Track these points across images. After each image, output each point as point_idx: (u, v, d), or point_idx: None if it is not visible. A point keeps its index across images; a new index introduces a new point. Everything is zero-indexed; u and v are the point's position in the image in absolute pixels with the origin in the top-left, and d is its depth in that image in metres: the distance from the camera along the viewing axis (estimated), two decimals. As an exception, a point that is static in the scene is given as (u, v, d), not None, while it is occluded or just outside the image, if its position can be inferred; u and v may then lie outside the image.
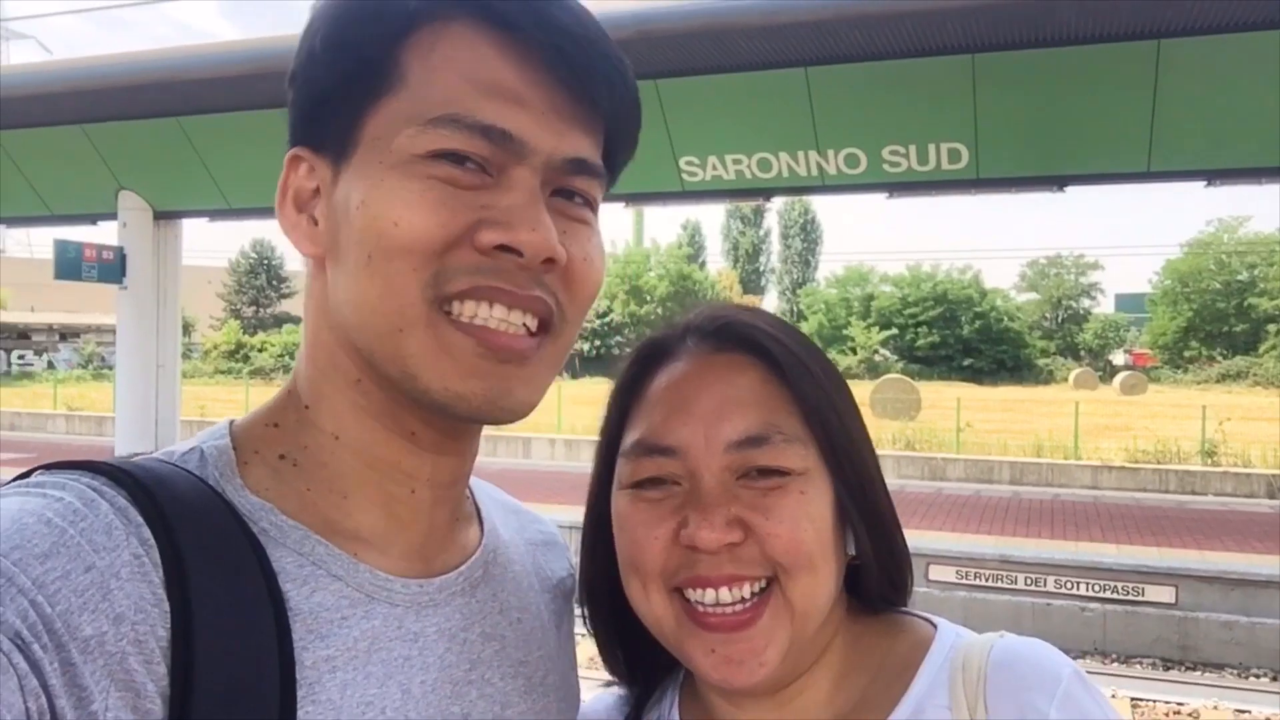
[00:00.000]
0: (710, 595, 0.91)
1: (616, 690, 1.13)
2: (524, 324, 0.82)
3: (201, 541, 0.74)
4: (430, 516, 0.92)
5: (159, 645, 0.69)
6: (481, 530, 1.01)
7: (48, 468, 0.77)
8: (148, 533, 0.72)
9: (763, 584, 0.92)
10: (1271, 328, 55.25)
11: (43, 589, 0.65)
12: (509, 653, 0.95)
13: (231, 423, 0.90)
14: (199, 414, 25.71)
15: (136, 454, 0.84)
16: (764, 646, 0.91)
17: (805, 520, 0.92)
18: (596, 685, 1.13)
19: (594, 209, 0.89)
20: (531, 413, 0.86)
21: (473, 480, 1.04)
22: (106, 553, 0.70)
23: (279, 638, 0.75)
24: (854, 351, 56.92)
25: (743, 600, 0.92)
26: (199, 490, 0.79)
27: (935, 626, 1.02)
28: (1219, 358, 56.55)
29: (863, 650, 1.01)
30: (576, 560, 1.11)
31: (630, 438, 0.98)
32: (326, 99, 0.83)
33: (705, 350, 0.99)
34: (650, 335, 1.05)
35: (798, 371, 0.96)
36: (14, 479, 0.77)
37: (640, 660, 1.06)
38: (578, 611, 1.11)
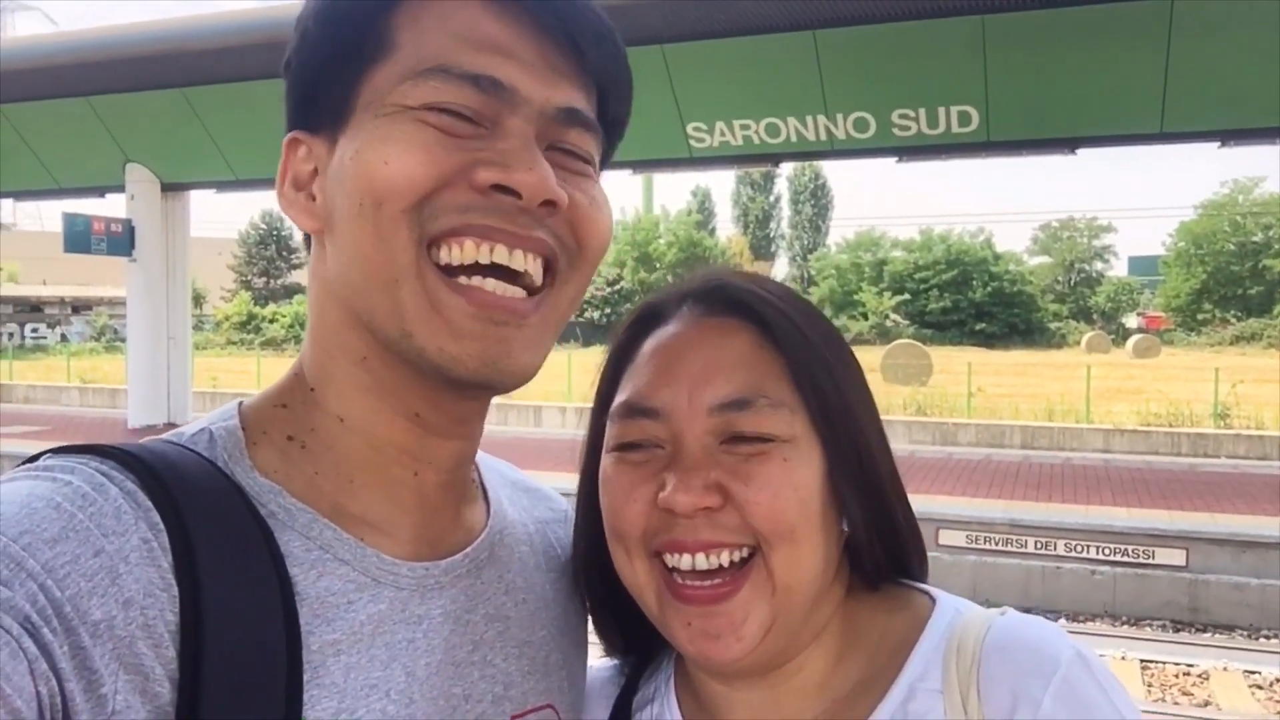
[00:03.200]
0: (686, 560, 0.89)
1: (613, 662, 1.12)
2: (526, 269, 0.81)
3: (210, 526, 0.75)
4: (435, 499, 0.92)
5: (168, 629, 0.70)
6: (488, 511, 1.00)
7: (56, 451, 0.77)
8: (156, 517, 0.73)
9: (744, 554, 0.90)
10: (1286, 289, 54.87)
11: (52, 573, 0.66)
12: (513, 633, 0.95)
13: (240, 403, 0.90)
14: (211, 385, 25.78)
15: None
16: (742, 620, 0.89)
17: (788, 489, 0.89)
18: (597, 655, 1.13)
19: (593, 165, 0.88)
20: (534, 376, 0.86)
21: (482, 459, 1.04)
22: (115, 537, 0.70)
23: (286, 622, 0.75)
24: (865, 317, 56.80)
25: (720, 569, 0.89)
26: (208, 473, 0.79)
27: (935, 601, 0.98)
28: (1233, 320, 56.20)
29: (859, 628, 0.98)
30: None
31: (618, 400, 0.97)
32: (320, 77, 0.83)
33: (697, 314, 0.98)
34: (647, 299, 1.03)
35: (790, 335, 0.93)
36: (22, 462, 0.77)
37: (635, 630, 1.03)
38: None
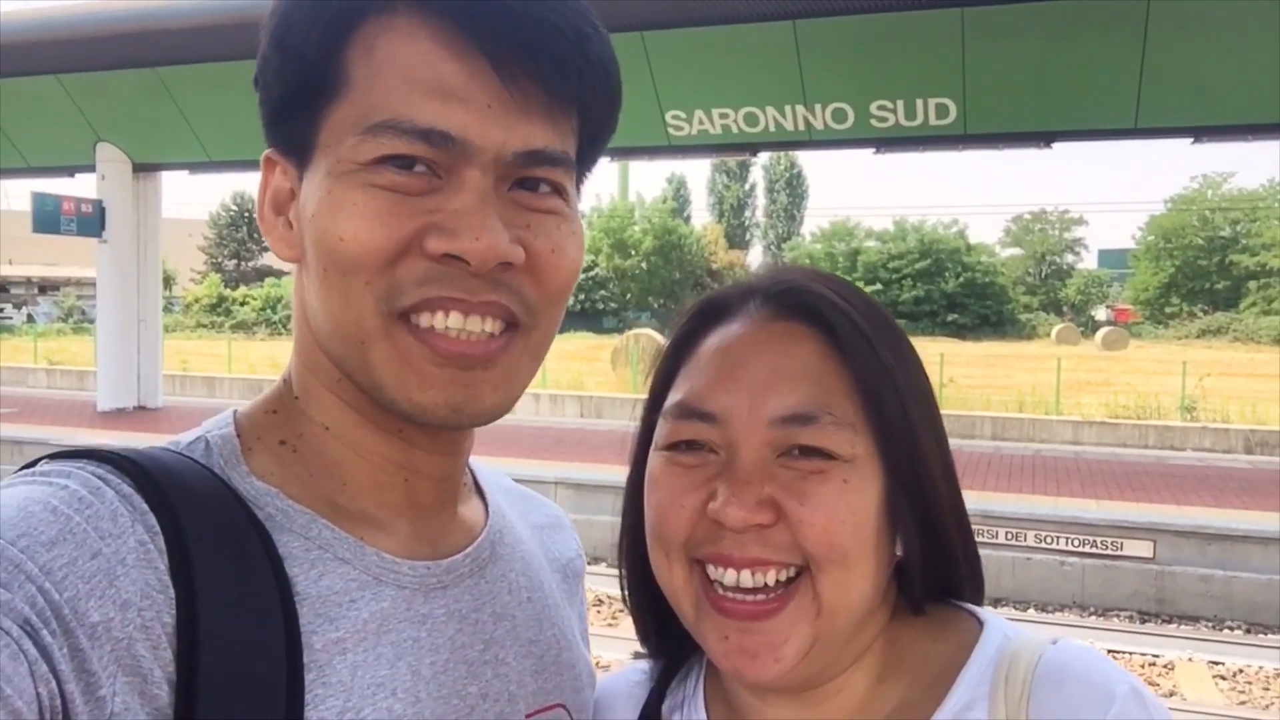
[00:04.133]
0: (731, 576, 0.85)
1: (641, 665, 1.08)
2: (484, 330, 0.81)
3: (206, 528, 0.75)
4: (429, 502, 0.92)
5: (165, 631, 0.70)
6: (487, 512, 1.00)
7: (53, 457, 0.77)
8: (153, 520, 0.73)
9: (790, 573, 0.86)
10: (1253, 284, 55.61)
11: (50, 576, 0.66)
12: (520, 632, 0.95)
13: (235, 412, 0.90)
14: (181, 368, 25.56)
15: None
16: (783, 641, 0.85)
17: (845, 510, 0.85)
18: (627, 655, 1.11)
19: (564, 195, 0.85)
20: (505, 414, 0.85)
21: (477, 465, 1.04)
22: (112, 539, 0.70)
23: (285, 622, 0.75)
24: (838, 307, 56.82)
25: (766, 588, 0.85)
26: (204, 477, 0.79)
27: (982, 624, 0.93)
28: (1200, 313, 56.94)
29: (903, 650, 0.94)
30: (615, 521, 1.06)
31: (673, 397, 0.93)
32: (284, 103, 0.82)
33: (764, 315, 0.92)
34: (712, 292, 0.98)
35: (860, 349, 0.88)
36: (20, 468, 0.77)
37: (670, 631, 0.99)
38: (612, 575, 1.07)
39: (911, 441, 0.89)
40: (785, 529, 0.85)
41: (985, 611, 0.96)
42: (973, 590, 0.98)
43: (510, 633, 0.94)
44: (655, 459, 0.94)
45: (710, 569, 0.87)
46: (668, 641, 1.03)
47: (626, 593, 1.04)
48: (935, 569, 0.93)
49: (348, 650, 0.79)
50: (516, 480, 1.15)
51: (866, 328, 0.90)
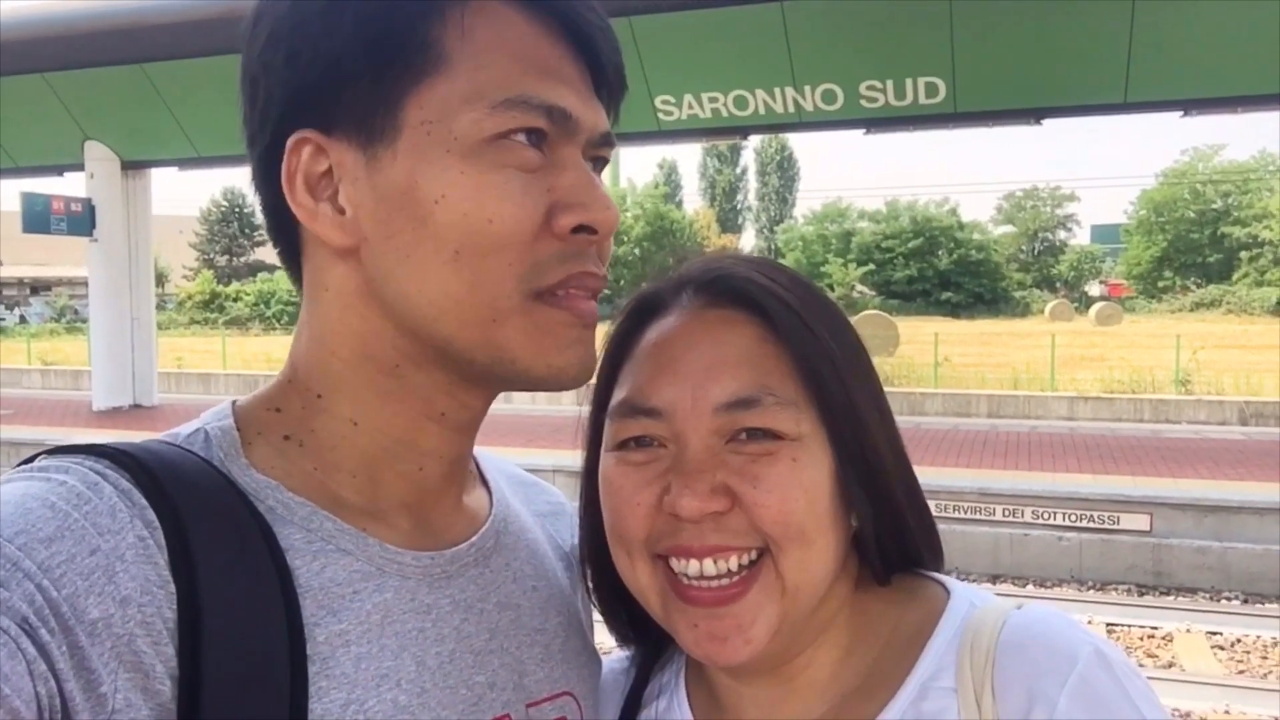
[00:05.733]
0: (694, 566, 0.86)
1: (626, 653, 1.10)
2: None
3: (207, 522, 0.74)
4: (436, 490, 0.92)
5: (166, 626, 0.69)
6: (491, 500, 1.00)
7: (51, 453, 0.77)
8: (152, 515, 0.72)
9: (752, 556, 0.87)
10: (1244, 255, 55.69)
11: (48, 573, 0.65)
12: (525, 620, 0.95)
13: (234, 403, 0.89)
14: (175, 366, 25.49)
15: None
16: (751, 622, 0.86)
17: (797, 489, 0.86)
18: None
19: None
20: None
21: (480, 453, 1.04)
22: (111, 535, 0.69)
23: (288, 615, 0.75)
24: (832, 289, 56.93)
25: (729, 573, 0.86)
26: (203, 471, 0.79)
27: (949, 592, 0.95)
28: (1193, 286, 57.01)
29: (870, 622, 0.95)
30: None
31: (617, 396, 0.94)
32: (346, 80, 0.79)
33: (698, 305, 0.94)
34: (644, 287, 0.99)
35: (795, 329, 0.89)
36: (18, 465, 0.77)
37: (644, 625, 1.00)
38: None
39: (854, 415, 0.90)
40: (741, 514, 0.86)
41: (951, 580, 0.97)
42: (932, 557, 0.99)
43: (516, 622, 0.94)
44: (606, 460, 0.94)
45: (673, 562, 0.88)
46: (643, 636, 1.05)
47: (594, 598, 1.05)
48: (891, 539, 0.94)
49: (351, 642, 0.78)
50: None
51: (800, 308, 0.91)
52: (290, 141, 0.81)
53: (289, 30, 0.80)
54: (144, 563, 0.70)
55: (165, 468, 0.76)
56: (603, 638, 1.10)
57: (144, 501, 0.72)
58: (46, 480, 0.72)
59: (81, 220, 16.82)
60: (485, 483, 1.03)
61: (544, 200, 0.80)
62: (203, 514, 0.74)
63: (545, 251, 0.81)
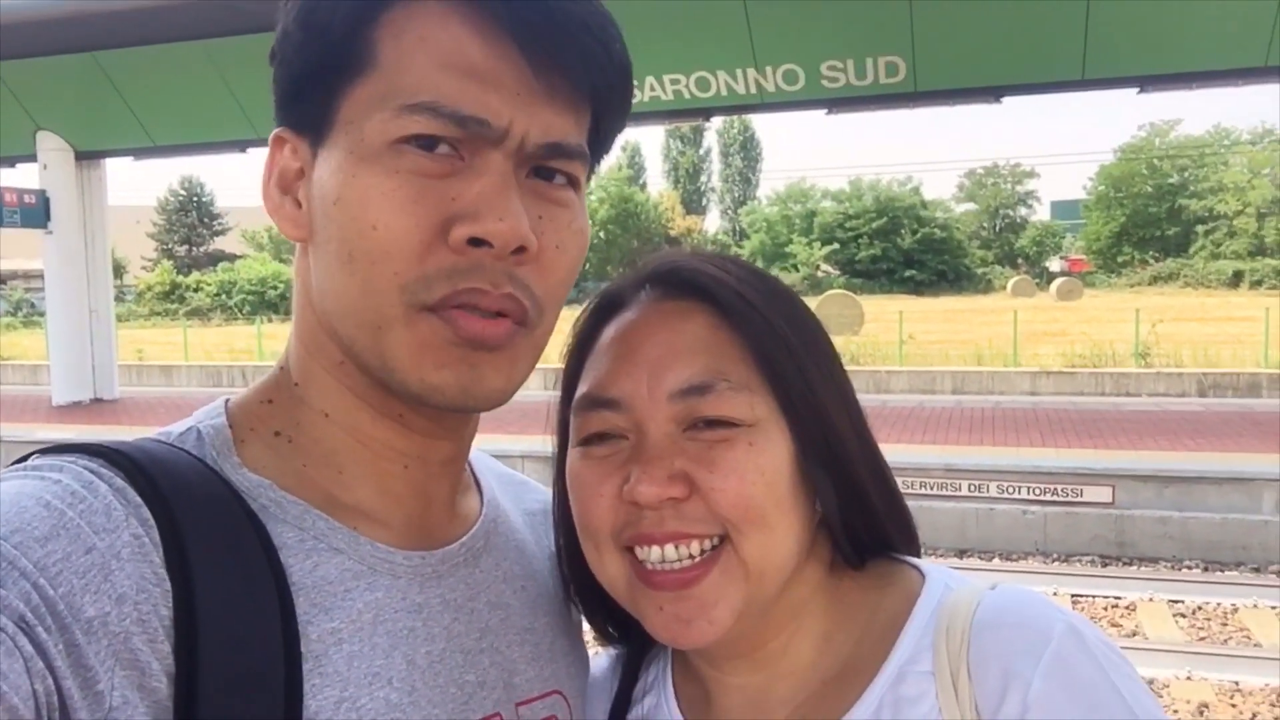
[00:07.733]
0: (655, 553, 0.87)
1: (613, 651, 1.11)
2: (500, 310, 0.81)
3: (200, 520, 0.75)
4: (427, 491, 0.92)
5: (162, 624, 0.70)
6: (481, 500, 1.00)
7: (44, 451, 0.77)
8: (147, 513, 0.72)
9: (714, 541, 0.88)
10: (1201, 229, 56.51)
11: (44, 572, 0.65)
12: (514, 620, 0.95)
13: (227, 401, 0.89)
14: (136, 358, 25.15)
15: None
16: (714, 603, 0.87)
17: (754, 473, 0.87)
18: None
19: (576, 187, 0.86)
20: (507, 401, 0.86)
21: (471, 453, 1.03)
22: (106, 534, 0.70)
23: (282, 612, 0.75)
24: (796, 269, 57.28)
25: (690, 557, 0.87)
26: (196, 469, 0.79)
27: (924, 576, 0.95)
28: (1151, 260, 57.81)
29: (847, 606, 0.96)
30: None
31: (579, 391, 0.95)
32: (302, 79, 0.81)
33: (654, 298, 0.95)
34: (607, 286, 1.01)
35: (746, 315, 0.91)
36: (12, 464, 0.77)
37: (624, 620, 1.01)
38: None
39: (812, 399, 0.91)
40: (700, 501, 0.87)
41: (926, 563, 0.98)
42: (904, 541, 1.00)
43: (505, 621, 0.94)
44: (572, 456, 0.96)
45: (638, 550, 0.89)
46: (625, 635, 1.06)
47: (576, 599, 1.05)
48: (859, 522, 0.95)
49: (344, 640, 0.79)
50: None
51: (752, 295, 0.93)
52: (270, 138, 0.85)
53: (279, 33, 0.83)
54: (139, 561, 0.70)
55: (159, 467, 0.76)
56: (589, 636, 1.10)
57: (138, 500, 0.73)
58: (41, 479, 0.72)
59: (35, 212, 16.53)
60: (476, 482, 1.03)
61: (441, 210, 0.77)
62: (196, 513, 0.75)
63: (436, 264, 0.77)
